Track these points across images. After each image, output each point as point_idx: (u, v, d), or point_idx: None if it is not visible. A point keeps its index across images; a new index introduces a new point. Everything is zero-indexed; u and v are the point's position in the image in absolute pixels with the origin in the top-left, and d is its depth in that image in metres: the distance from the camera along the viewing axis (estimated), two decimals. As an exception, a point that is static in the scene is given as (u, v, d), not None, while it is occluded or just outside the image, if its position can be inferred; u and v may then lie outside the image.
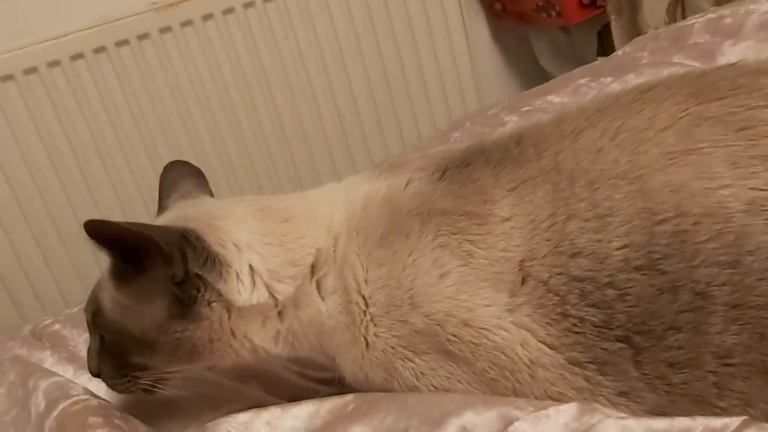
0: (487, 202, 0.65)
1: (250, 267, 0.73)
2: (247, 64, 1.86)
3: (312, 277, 0.73)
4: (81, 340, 0.96)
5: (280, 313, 0.73)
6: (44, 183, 1.74)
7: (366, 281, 0.70)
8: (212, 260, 0.71)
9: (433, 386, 0.68)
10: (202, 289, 0.71)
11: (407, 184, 0.72)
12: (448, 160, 0.72)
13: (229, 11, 1.82)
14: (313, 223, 0.75)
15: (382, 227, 0.70)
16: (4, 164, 1.70)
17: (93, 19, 1.73)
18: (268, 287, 0.73)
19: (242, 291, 0.72)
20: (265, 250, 0.73)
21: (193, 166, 0.91)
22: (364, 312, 0.69)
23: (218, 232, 0.73)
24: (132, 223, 0.70)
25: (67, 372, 0.87)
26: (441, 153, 0.76)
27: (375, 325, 0.69)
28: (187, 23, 1.79)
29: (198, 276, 0.71)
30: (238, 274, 0.72)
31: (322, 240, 0.74)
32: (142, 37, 1.76)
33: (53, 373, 0.83)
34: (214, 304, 0.72)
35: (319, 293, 0.73)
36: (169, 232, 0.71)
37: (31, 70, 1.68)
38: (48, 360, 0.91)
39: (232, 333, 0.73)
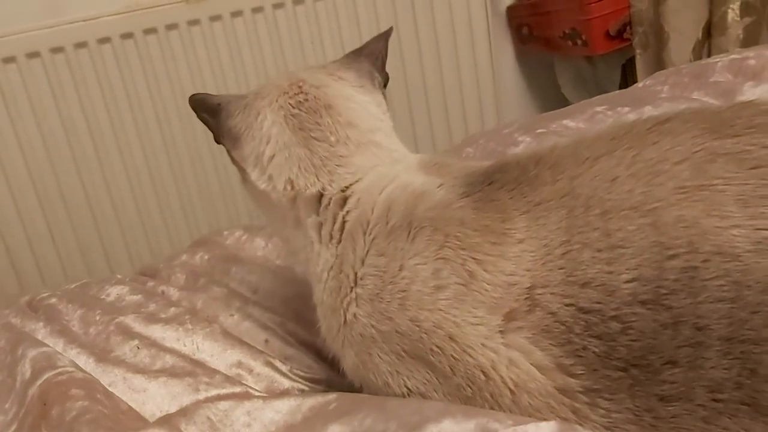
0: (506, 221, 0.65)
1: (262, 155, 0.79)
2: (271, 64, 1.88)
3: (312, 215, 0.76)
4: (75, 316, 0.96)
5: (283, 216, 0.79)
6: (59, 160, 1.77)
7: (363, 261, 0.70)
8: (231, 134, 0.81)
9: (407, 387, 0.67)
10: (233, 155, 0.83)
11: (439, 187, 0.72)
12: (476, 176, 0.72)
13: (258, 10, 1.85)
14: (327, 173, 0.76)
15: (395, 219, 0.70)
16: (21, 139, 1.73)
17: (125, 5, 1.75)
18: (270, 181, 0.78)
19: (255, 171, 0.80)
20: (277, 151, 0.78)
21: (384, 36, 0.95)
22: (351, 288, 0.70)
23: (254, 112, 0.81)
24: (203, 98, 0.85)
25: (57, 345, 0.87)
26: (473, 167, 0.76)
27: (357, 306, 0.69)
28: (216, 18, 1.82)
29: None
30: (253, 155, 0.80)
31: (327, 191, 0.76)
32: (171, 27, 1.78)
33: (42, 344, 0.83)
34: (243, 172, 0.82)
35: (319, 237, 0.76)
36: (207, 102, 0.84)
37: (58, 50, 1.71)
38: (40, 331, 0.91)
39: (263, 205, 0.82)
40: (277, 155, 0.78)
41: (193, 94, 0.84)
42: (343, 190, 0.75)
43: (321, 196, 0.76)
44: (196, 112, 0.84)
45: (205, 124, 0.84)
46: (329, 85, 0.82)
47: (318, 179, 0.76)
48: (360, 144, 0.78)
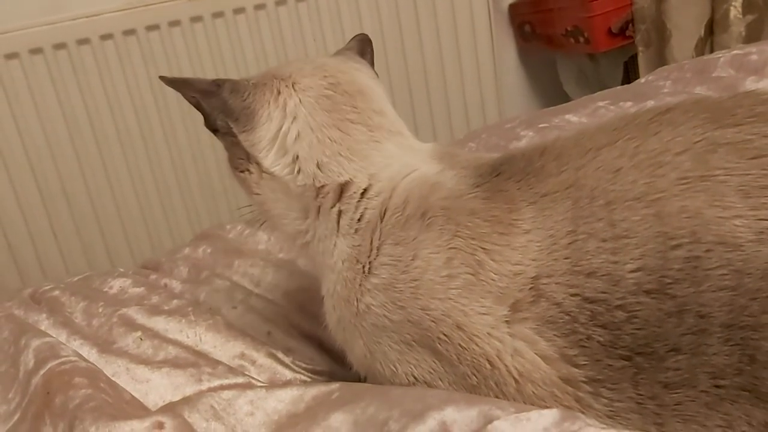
0: (513, 211, 0.65)
1: (285, 134, 0.75)
2: (273, 61, 1.88)
3: (336, 204, 0.73)
4: (78, 308, 0.96)
5: (304, 209, 0.76)
6: (61, 156, 1.77)
7: (378, 250, 0.70)
8: (245, 113, 0.76)
9: (414, 377, 0.67)
10: (235, 140, 0.77)
11: (452, 177, 0.72)
12: (485, 167, 0.72)
13: (260, 7, 1.85)
14: (361, 158, 0.74)
15: (411, 209, 0.70)
16: (24, 134, 1.73)
17: (127, 1, 1.76)
18: (294, 164, 0.74)
19: (270, 153, 0.75)
20: (305, 132, 0.74)
21: (367, 39, 0.91)
22: (365, 278, 0.70)
23: (274, 91, 0.76)
24: (183, 78, 0.79)
25: (60, 336, 0.87)
26: (482, 158, 0.76)
27: (371, 296, 0.69)
28: (218, 15, 1.82)
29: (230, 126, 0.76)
30: (269, 135, 0.75)
31: (358, 178, 0.73)
32: (173, 24, 1.79)
33: (46, 334, 0.83)
34: (245, 159, 0.77)
35: (338, 227, 0.73)
36: (198, 83, 0.77)
37: (60, 46, 1.71)
38: (43, 323, 0.91)
39: (263, 195, 0.78)
40: (306, 136, 0.74)
41: (169, 77, 0.79)
42: (370, 178, 0.73)
43: (347, 184, 0.73)
44: (183, 92, 0.78)
45: (196, 107, 0.78)
46: (354, 72, 0.80)
47: (351, 164, 0.73)
48: (391, 132, 0.77)
